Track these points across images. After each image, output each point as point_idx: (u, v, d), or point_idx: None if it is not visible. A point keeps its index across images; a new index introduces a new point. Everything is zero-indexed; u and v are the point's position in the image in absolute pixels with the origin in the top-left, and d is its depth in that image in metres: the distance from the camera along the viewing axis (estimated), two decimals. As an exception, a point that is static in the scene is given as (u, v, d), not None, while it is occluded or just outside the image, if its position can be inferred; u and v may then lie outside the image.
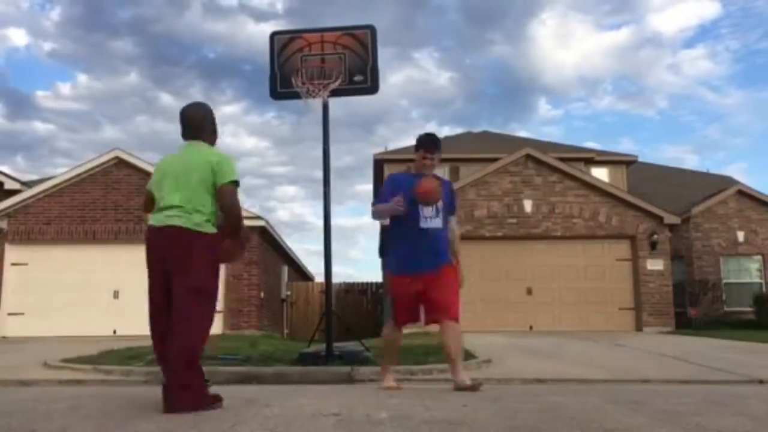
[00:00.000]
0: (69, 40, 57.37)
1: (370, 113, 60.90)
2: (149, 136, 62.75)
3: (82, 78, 63.10)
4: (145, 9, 59.04)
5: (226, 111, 66.60)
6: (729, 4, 60.68)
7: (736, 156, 67.34)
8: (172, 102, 63.14)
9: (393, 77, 63.17)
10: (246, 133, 66.43)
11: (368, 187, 50.63)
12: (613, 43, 59.95)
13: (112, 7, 59.60)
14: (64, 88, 60.21)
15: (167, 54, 62.31)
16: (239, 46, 65.33)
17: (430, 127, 69.04)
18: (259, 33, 63.38)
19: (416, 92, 62.18)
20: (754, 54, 60.14)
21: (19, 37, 60.23)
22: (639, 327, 15.19)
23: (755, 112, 63.02)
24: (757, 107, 62.07)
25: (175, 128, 62.49)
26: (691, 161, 73.53)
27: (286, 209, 73.40)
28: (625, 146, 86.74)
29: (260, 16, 62.92)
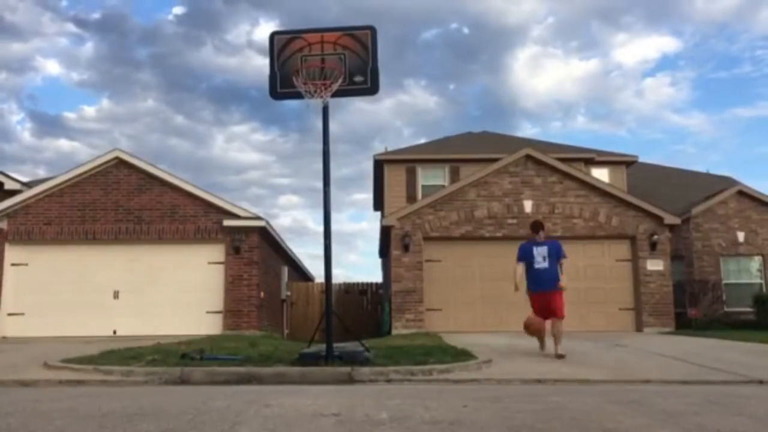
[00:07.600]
0: (96, 71, 64.54)
1: (366, 130, 64.81)
2: (162, 151, 68.68)
3: (106, 103, 70.34)
4: (165, 47, 65.81)
5: (235, 131, 72.55)
6: (685, 41, 68.90)
7: (716, 168, 70.94)
8: (184, 122, 68.84)
9: (386, 101, 69.78)
10: (252, 149, 72.69)
11: (366, 196, 51.74)
12: (583, 73, 66.92)
13: (136, 44, 66.64)
14: (89, 111, 66.94)
15: (182, 82, 69.90)
16: (247, 75, 71.59)
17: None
18: (264, 65, 67.14)
19: (407, 113, 67.85)
20: (709, 82, 68.28)
21: (53, 67, 68.12)
22: (639, 327, 15.18)
23: (719, 132, 68.66)
24: (720, 127, 68.01)
25: (184, 143, 69.70)
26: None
27: (288, 216, 75.65)
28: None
29: (266, 51, 65.73)
